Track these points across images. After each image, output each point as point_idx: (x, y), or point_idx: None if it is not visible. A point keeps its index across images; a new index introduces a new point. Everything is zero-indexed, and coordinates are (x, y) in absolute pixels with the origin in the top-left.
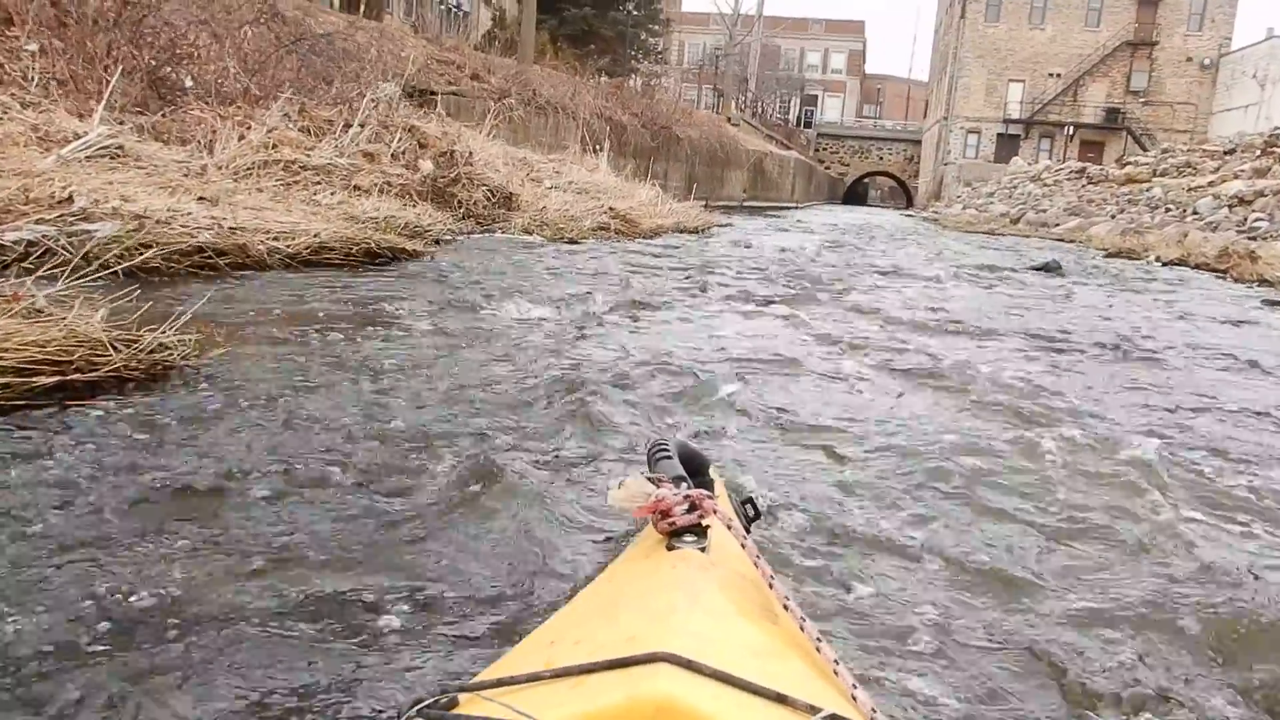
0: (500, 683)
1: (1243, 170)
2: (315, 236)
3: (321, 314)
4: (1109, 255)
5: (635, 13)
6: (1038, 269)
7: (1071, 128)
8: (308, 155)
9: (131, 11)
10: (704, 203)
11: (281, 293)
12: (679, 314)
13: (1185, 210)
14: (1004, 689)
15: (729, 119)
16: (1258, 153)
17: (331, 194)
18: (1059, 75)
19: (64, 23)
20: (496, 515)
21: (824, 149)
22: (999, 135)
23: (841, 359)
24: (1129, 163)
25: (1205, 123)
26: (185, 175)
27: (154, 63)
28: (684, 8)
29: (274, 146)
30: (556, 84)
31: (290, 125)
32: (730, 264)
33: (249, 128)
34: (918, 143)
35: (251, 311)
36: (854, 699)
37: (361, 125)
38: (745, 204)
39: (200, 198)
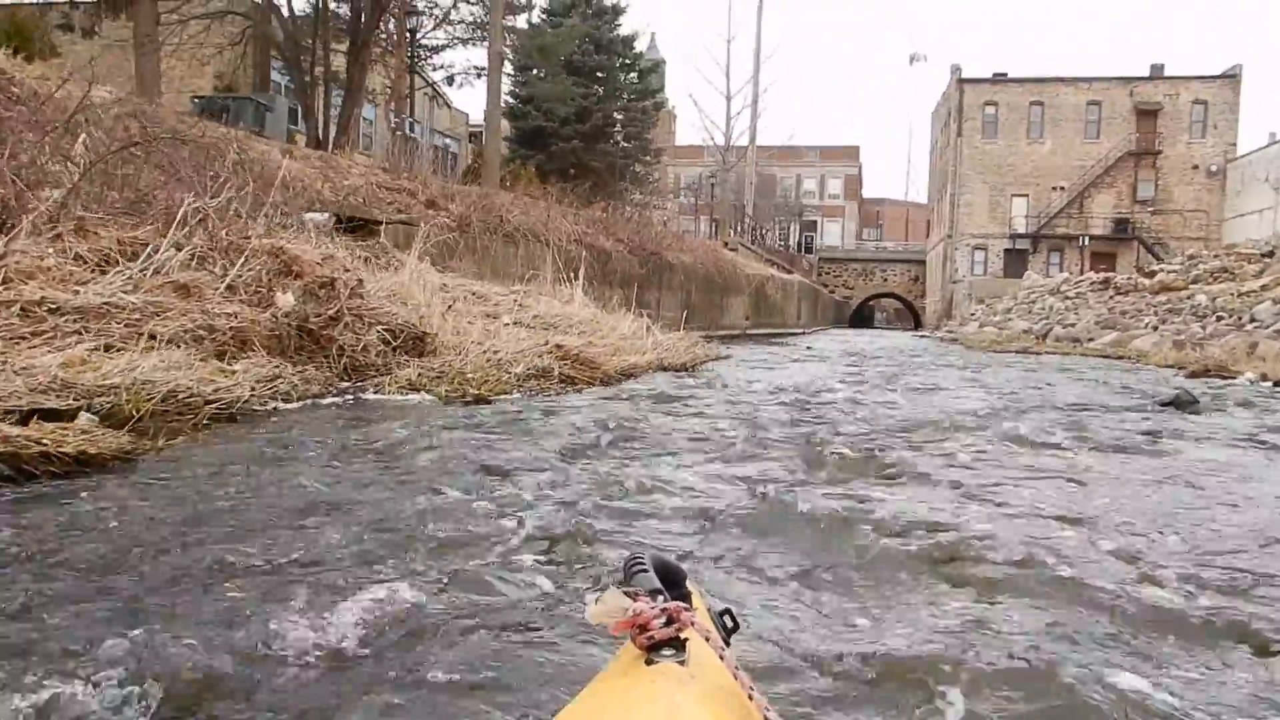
0: None
1: None
2: None
3: None
4: (1191, 375)
5: (625, 144)
6: (1167, 404)
7: (1086, 238)
8: (76, 291)
9: None
10: (703, 333)
11: None
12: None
13: (1240, 317)
14: None
15: (725, 243)
16: None
17: (84, 346)
18: (1063, 188)
19: None
20: None
21: (827, 273)
22: (1006, 250)
23: None
24: (1156, 270)
25: (1218, 229)
26: None
27: None
28: (677, 141)
29: (6, 282)
30: (528, 210)
31: (49, 250)
32: (722, 426)
33: None
34: (921, 262)
35: None
36: None
37: (178, 247)
38: (748, 331)
39: None
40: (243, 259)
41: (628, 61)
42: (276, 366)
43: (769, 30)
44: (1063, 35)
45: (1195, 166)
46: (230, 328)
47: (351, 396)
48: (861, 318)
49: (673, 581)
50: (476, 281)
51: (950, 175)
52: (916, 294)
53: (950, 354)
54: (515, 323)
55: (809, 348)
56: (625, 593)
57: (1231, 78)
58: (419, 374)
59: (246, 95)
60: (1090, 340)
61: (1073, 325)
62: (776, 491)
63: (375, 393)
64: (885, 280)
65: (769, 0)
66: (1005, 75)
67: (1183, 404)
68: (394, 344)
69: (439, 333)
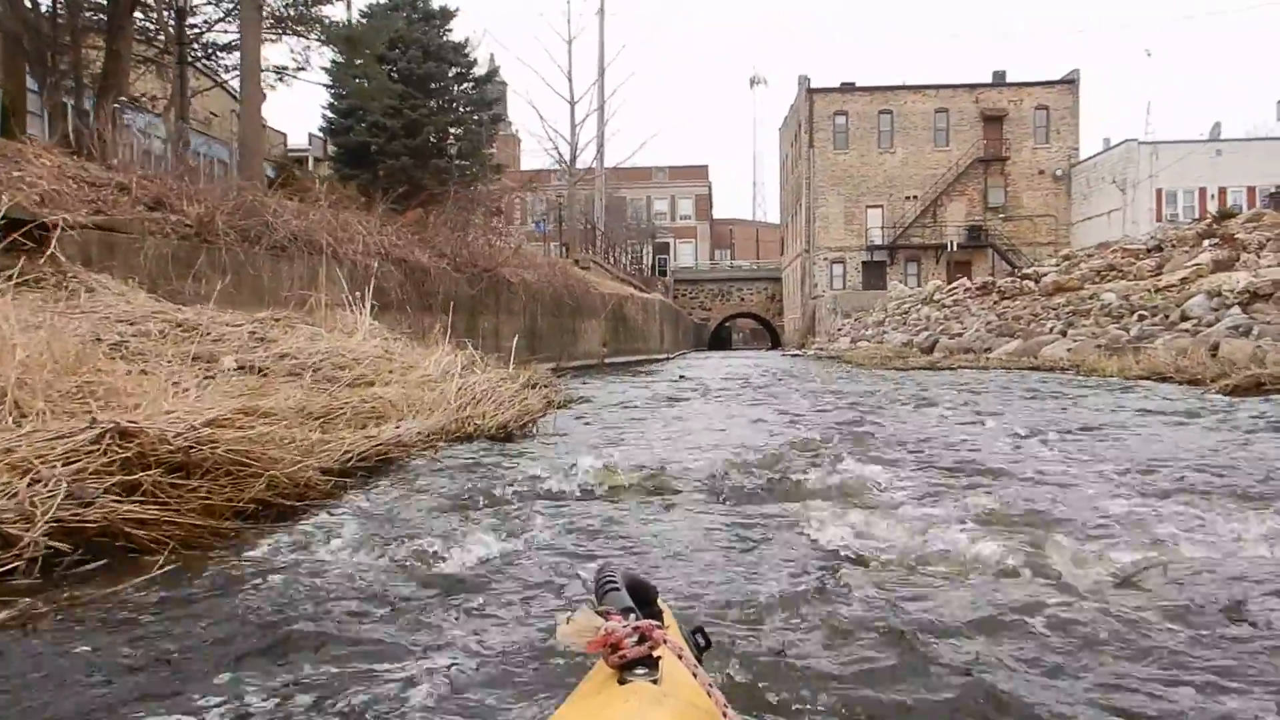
0: None
1: (1200, 263)
2: None
3: None
4: (1230, 392)
5: (461, 161)
6: None
7: (954, 245)
8: None
9: None
10: (552, 365)
11: None
12: None
13: (1167, 315)
14: None
15: (576, 261)
16: (1209, 241)
17: None
18: (916, 198)
19: None
20: None
21: (683, 294)
22: (864, 263)
23: None
24: (1045, 271)
25: (1067, 233)
26: None
27: None
28: (523, 166)
29: None
30: (305, 213)
31: None
32: None
33: None
34: (778, 280)
35: None
36: None
37: None
38: (607, 361)
39: None
40: None
41: (462, 70)
42: None
43: (612, 40)
44: (905, 56)
45: (1041, 171)
46: None
47: None
48: (720, 339)
49: (644, 599)
50: (195, 308)
51: (804, 188)
52: (774, 312)
53: (855, 376)
54: (245, 368)
55: (683, 376)
56: (597, 611)
57: (1070, 83)
58: None
59: None
60: (988, 350)
61: (960, 335)
62: None
63: None
64: (743, 300)
65: (610, 6)
66: (854, 85)
67: None
68: None
69: None
